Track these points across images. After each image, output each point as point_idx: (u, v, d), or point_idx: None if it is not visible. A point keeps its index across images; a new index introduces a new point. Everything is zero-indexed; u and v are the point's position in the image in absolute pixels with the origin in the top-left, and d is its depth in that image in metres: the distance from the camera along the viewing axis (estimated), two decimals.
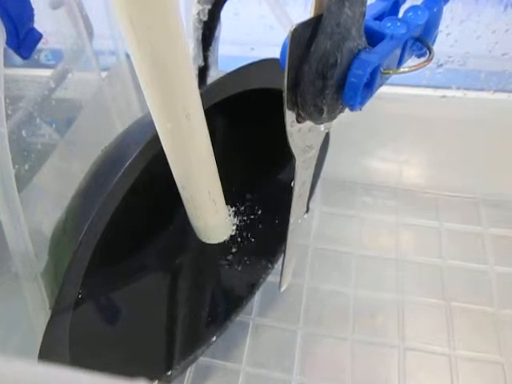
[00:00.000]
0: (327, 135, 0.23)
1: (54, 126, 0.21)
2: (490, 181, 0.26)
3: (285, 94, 0.13)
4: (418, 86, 0.25)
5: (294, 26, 0.11)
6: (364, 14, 0.12)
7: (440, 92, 0.24)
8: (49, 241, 0.17)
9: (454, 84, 0.23)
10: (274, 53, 0.16)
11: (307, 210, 0.21)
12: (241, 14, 0.24)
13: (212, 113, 0.14)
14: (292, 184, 0.17)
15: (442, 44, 0.22)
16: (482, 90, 0.23)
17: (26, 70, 0.25)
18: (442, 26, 0.17)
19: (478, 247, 0.26)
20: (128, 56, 0.27)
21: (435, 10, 0.15)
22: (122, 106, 0.26)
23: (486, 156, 0.25)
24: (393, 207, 0.28)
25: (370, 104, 0.14)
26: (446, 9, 0.17)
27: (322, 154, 0.23)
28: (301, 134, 0.14)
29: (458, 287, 0.25)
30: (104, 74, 0.25)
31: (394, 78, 0.14)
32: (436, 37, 0.16)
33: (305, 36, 0.12)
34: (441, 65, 0.24)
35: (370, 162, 0.29)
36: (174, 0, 0.11)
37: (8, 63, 0.17)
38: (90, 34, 0.23)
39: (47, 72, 0.22)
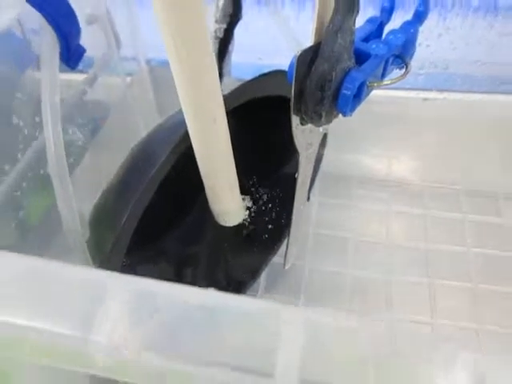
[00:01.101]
0: (325, 136, 0.26)
1: (89, 126, 0.24)
2: (469, 173, 0.30)
3: (292, 103, 0.16)
4: (404, 88, 0.28)
5: (299, 52, 0.15)
6: (353, 42, 0.15)
7: (422, 94, 0.28)
8: (88, 221, 0.21)
9: (435, 87, 0.27)
10: (280, 62, 0.19)
11: (308, 199, 0.24)
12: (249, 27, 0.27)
13: (231, 116, 0.17)
14: (296, 175, 0.20)
15: (423, 53, 0.26)
16: (459, 91, 0.26)
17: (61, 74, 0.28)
18: (422, 39, 0.21)
19: (459, 232, 0.30)
20: (147, 62, 0.30)
21: (412, 31, 0.18)
22: (143, 108, 0.29)
23: (465, 151, 0.29)
24: (384, 197, 0.32)
25: (363, 107, 0.18)
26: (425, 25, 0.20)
27: (320, 152, 0.26)
28: (304, 134, 0.18)
29: (441, 267, 0.28)
30: (128, 78, 0.29)
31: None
32: (414, 52, 0.19)
33: (307, 58, 0.15)
34: (422, 70, 0.27)
35: (363, 159, 0.32)
36: (204, 21, 0.14)
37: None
38: (118, 43, 0.26)
39: (80, 77, 0.26)
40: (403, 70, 0.18)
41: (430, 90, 0.27)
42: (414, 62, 0.18)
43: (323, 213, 0.32)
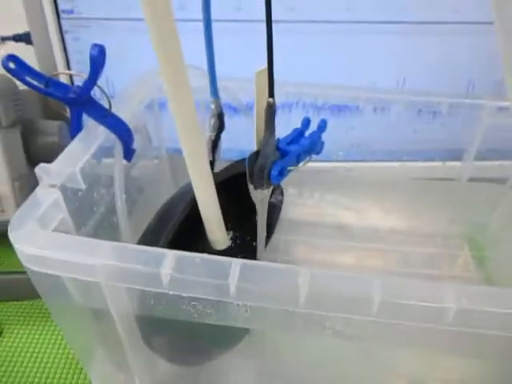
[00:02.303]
0: (282, 192, 0.41)
1: (134, 194, 0.39)
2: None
3: (247, 178, 0.30)
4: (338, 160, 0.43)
5: (249, 155, 0.29)
6: (275, 149, 0.30)
7: (348, 164, 0.43)
8: None
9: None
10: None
11: (268, 235, 0.38)
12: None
13: (219, 185, 0.32)
14: (257, 218, 0.34)
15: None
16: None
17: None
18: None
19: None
20: (167, 150, 0.45)
21: (315, 137, 0.33)
22: (164, 181, 0.44)
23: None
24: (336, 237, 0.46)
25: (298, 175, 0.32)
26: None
27: (280, 200, 0.40)
28: (256, 194, 0.32)
29: None
30: (156, 161, 0.44)
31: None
32: (321, 148, 0.34)
33: (254, 156, 0.29)
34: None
35: (315, 208, 0.47)
36: (204, 145, 0.29)
37: None
38: (150, 140, 0.42)
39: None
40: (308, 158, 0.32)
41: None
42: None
43: (288, 246, 0.46)
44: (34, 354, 0.40)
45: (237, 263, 0.23)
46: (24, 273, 0.25)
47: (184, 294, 0.23)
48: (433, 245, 0.42)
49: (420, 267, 0.42)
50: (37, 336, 0.41)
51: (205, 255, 0.23)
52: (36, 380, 0.38)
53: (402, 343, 0.26)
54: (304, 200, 0.46)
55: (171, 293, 0.23)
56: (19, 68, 0.29)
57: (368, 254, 0.42)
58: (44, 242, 0.24)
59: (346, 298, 0.21)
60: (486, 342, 0.23)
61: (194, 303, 0.27)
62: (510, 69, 0.27)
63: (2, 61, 0.28)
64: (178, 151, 0.29)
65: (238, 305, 0.25)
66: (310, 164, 0.32)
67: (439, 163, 0.43)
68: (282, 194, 0.42)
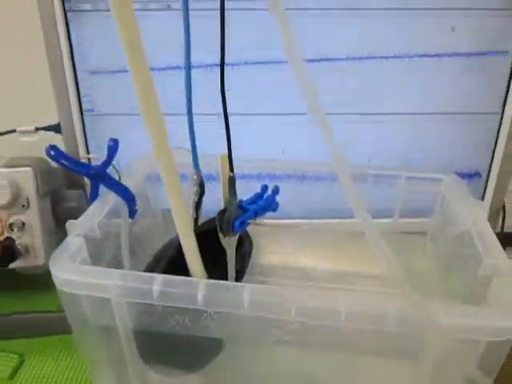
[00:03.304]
0: (251, 242, 0.52)
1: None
2: None
3: (218, 229, 0.42)
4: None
5: (218, 212, 0.41)
6: (237, 207, 0.41)
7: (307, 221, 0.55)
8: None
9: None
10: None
11: (240, 277, 0.49)
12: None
13: (199, 235, 0.43)
14: (227, 260, 0.45)
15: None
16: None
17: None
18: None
19: None
20: (162, 210, 0.57)
21: (269, 200, 0.45)
22: (160, 232, 0.56)
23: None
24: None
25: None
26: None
27: (249, 250, 0.52)
28: (225, 240, 0.43)
29: None
30: (153, 218, 0.56)
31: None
32: (276, 207, 0.46)
33: (222, 214, 0.41)
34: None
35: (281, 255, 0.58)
36: (185, 208, 0.41)
37: None
38: (149, 203, 0.54)
39: None
40: (264, 215, 0.44)
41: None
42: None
43: None
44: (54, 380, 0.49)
45: (204, 282, 0.34)
46: (51, 312, 0.36)
47: (169, 304, 0.34)
48: (373, 284, 0.53)
49: None
50: (55, 367, 0.51)
51: (183, 277, 0.34)
52: None
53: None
54: (273, 248, 0.57)
55: (160, 304, 0.34)
56: (57, 154, 0.41)
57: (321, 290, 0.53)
58: (72, 271, 0.35)
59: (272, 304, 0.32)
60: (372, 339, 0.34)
61: (176, 317, 0.37)
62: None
63: (46, 148, 0.41)
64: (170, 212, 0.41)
65: (206, 312, 0.35)
66: (277, 221, 0.44)
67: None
68: (251, 244, 0.53)
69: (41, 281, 0.54)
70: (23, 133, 0.59)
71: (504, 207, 0.59)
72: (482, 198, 0.60)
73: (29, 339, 0.54)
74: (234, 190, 0.40)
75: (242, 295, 0.33)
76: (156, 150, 0.36)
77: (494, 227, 0.59)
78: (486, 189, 0.59)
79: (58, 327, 0.52)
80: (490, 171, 0.58)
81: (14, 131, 0.60)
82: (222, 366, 0.44)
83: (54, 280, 0.36)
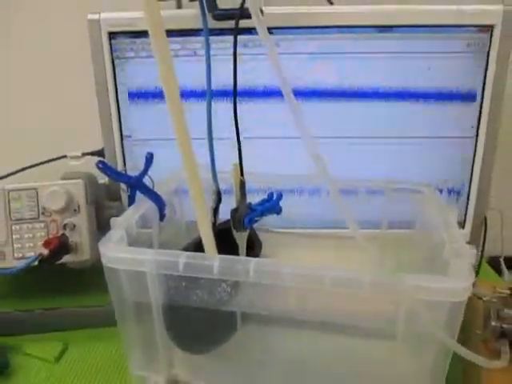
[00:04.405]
0: (261, 244, 0.61)
1: None
2: None
3: (231, 225, 0.51)
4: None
5: (231, 210, 0.51)
6: (247, 207, 0.51)
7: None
8: None
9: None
10: None
11: None
12: None
13: (219, 233, 0.53)
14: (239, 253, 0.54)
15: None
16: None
17: None
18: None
19: None
20: (186, 223, 0.67)
21: (274, 202, 0.54)
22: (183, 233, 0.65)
23: None
24: None
25: None
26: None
27: (257, 252, 0.61)
28: (238, 235, 0.52)
29: None
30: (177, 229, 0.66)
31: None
32: (280, 209, 0.55)
33: (234, 211, 0.51)
34: None
35: None
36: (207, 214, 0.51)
37: None
38: (176, 212, 0.64)
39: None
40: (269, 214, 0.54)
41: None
42: None
43: None
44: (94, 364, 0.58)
45: (218, 256, 0.43)
46: (95, 307, 0.46)
47: (191, 275, 0.43)
48: None
49: None
50: (97, 354, 0.60)
51: (202, 253, 0.44)
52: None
53: None
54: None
55: (185, 275, 0.43)
56: (105, 166, 0.52)
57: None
58: (116, 250, 0.45)
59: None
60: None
61: (197, 291, 0.46)
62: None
63: (96, 163, 0.52)
64: (193, 222, 0.50)
65: (220, 286, 0.44)
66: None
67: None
68: (260, 246, 0.62)
69: (85, 280, 0.64)
70: (72, 158, 0.71)
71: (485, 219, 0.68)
72: (465, 213, 0.68)
73: (73, 331, 0.63)
74: (244, 191, 0.51)
75: (249, 266, 0.42)
76: (185, 164, 0.47)
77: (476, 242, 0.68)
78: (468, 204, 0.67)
79: (100, 321, 0.62)
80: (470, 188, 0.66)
81: (65, 157, 0.72)
82: (235, 347, 0.52)
83: (102, 259, 0.46)
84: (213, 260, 0.43)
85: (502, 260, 0.73)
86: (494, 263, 0.75)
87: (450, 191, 0.67)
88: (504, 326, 0.46)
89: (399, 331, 0.44)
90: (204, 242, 0.50)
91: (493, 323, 0.47)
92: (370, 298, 0.42)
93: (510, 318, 0.46)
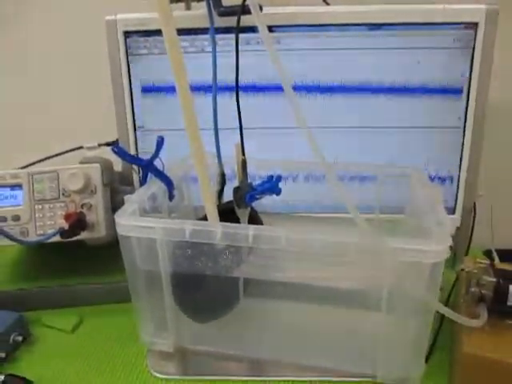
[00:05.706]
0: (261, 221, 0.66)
1: None
2: None
3: (234, 203, 0.56)
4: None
5: (234, 188, 0.56)
6: (248, 185, 0.56)
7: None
8: None
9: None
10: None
11: None
12: None
13: (221, 210, 0.58)
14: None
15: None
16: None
17: None
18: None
19: None
20: (193, 207, 0.72)
21: (274, 183, 0.59)
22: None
23: None
24: None
25: None
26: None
27: None
28: (240, 211, 0.57)
29: None
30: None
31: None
32: (279, 191, 0.59)
33: (236, 190, 0.56)
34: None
35: None
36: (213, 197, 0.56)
37: None
38: (184, 197, 0.69)
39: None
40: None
41: None
42: None
43: None
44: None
45: (221, 224, 0.48)
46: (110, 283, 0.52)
47: (197, 240, 0.48)
48: None
49: None
50: (110, 326, 0.65)
51: (206, 221, 0.49)
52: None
53: None
54: None
55: (191, 241, 0.48)
56: (120, 150, 0.58)
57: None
58: (130, 219, 0.50)
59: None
60: None
61: (202, 258, 0.51)
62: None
63: (112, 148, 0.57)
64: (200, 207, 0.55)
65: (224, 253, 0.49)
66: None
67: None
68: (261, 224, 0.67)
69: (100, 260, 0.70)
70: (89, 148, 0.77)
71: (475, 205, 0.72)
72: (455, 199, 0.72)
73: (88, 306, 0.68)
74: (246, 170, 0.55)
75: (248, 232, 0.47)
76: (193, 150, 0.52)
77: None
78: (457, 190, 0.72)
79: (114, 297, 0.67)
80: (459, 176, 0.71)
81: (82, 147, 0.78)
82: (237, 317, 0.57)
83: (117, 228, 0.51)
84: (216, 227, 0.48)
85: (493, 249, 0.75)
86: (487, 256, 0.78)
87: (440, 179, 0.71)
88: (483, 291, 0.50)
89: (384, 298, 0.48)
90: (208, 215, 0.55)
91: (472, 289, 0.51)
92: (356, 261, 0.46)
93: (488, 285, 0.50)
